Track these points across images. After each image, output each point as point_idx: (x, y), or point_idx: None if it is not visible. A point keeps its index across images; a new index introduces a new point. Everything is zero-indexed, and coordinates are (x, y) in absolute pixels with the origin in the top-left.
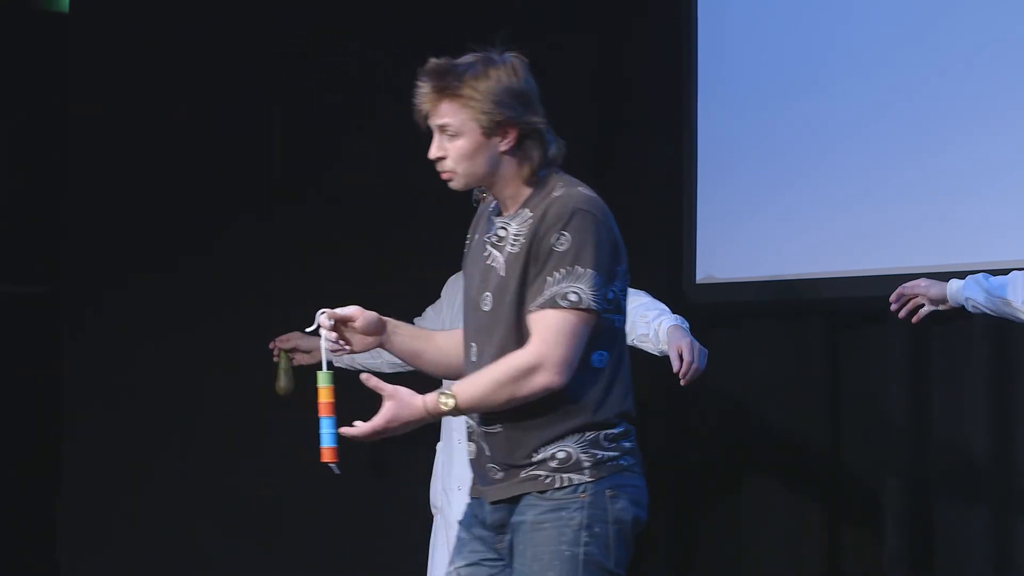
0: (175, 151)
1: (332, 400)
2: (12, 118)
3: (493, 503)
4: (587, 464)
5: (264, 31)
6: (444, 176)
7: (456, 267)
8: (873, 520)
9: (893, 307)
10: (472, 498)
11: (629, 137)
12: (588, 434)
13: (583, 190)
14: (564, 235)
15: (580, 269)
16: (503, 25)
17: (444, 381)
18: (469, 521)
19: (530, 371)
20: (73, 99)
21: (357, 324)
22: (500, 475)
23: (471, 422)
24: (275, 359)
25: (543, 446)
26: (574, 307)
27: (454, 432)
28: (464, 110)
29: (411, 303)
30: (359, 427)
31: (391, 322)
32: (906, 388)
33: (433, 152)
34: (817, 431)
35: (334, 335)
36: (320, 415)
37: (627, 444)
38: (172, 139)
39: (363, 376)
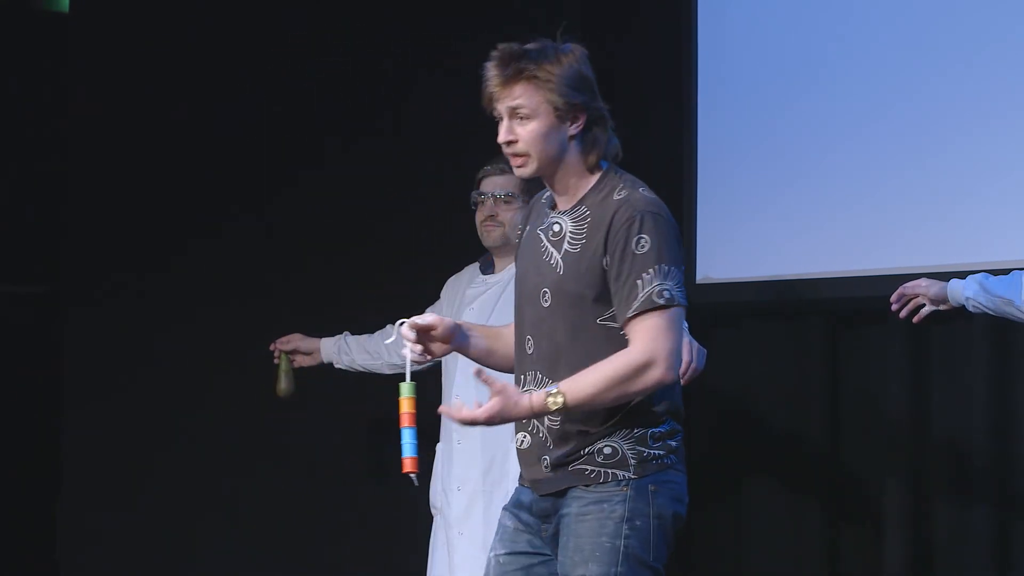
0: (175, 151)
1: (414, 411)
2: (12, 118)
3: (541, 495)
4: (632, 461)
5: (264, 31)
6: (515, 162)
7: (455, 267)
8: (873, 520)
9: (894, 307)
10: (520, 485)
11: (629, 137)
12: (636, 431)
13: (645, 192)
14: (643, 238)
15: (665, 268)
16: (505, 24)
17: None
18: (515, 507)
19: (642, 368)
20: (73, 99)
21: (437, 332)
22: (549, 469)
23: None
24: (275, 361)
25: (595, 441)
26: (668, 304)
27: (454, 433)
28: (538, 92)
29: (411, 303)
30: (462, 411)
31: (465, 324)
32: (906, 388)
33: (503, 136)
34: (817, 431)
35: (419, 347)
36: (401, 425)
37: (672, 443)
38: (172, 139)
39: (474, 369)
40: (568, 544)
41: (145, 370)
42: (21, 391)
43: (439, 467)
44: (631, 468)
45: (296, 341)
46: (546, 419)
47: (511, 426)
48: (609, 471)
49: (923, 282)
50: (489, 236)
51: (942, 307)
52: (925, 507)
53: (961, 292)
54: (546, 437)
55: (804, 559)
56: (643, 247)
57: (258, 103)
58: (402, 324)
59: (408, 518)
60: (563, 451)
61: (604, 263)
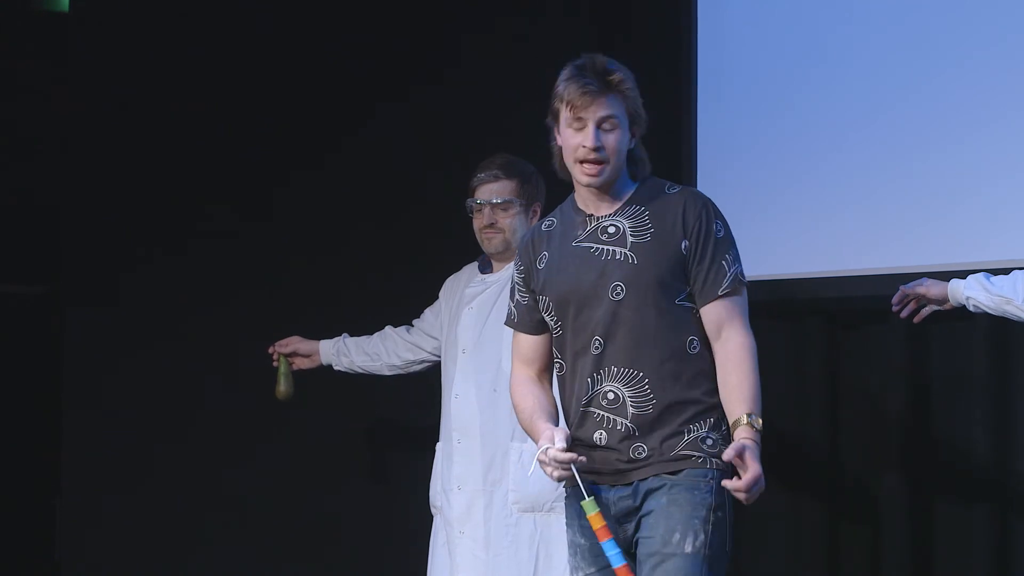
0: (175, 151)
1: (605, 523)
2: (12, 117)
3: (640, 480)
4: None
5: (263, 30)
6: (593, 169)
7: (453, 267)
8: (872, 520)
9: (895, 308)
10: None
11: None
12: (724, 426)
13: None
14: (718, 223)
15: (735, 251)
16: (507, 25)
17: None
18: (587, 527)
19: (754, 347)
20: (73, 99)
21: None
22: (645, 453)
23: (601, 412)
24: (274, 363)
25: (690, 422)
26: (743, 284)
27: (453, 432)
28: (623, 104)
29: (409, 304)
30: (745, 485)
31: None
32: (906, 388)
33: (593, 142)
34: (816, 431)
35: (581, 458)
36: (602, 540)
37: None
38: (172, 139)
39: (726, 454)
40: (659, 526)
41: (144, 371)
42: (21, 391)
43: (439, 467)
44: (723, 462)
45: (295, 344)
46: (630, 409)
47: (509, 425)
48: (711, 459)
49: (924, 282)
50: (490, 243)
51: (943, 307)
52: (924, 507)
53: (961, 291)
54: (630, 428)
55: (803, 558)
56: (720, 231)
57: (257, 103)
58: (541, 458)
59: (408, 518)
60: (661, 437)
61: (683, 247)
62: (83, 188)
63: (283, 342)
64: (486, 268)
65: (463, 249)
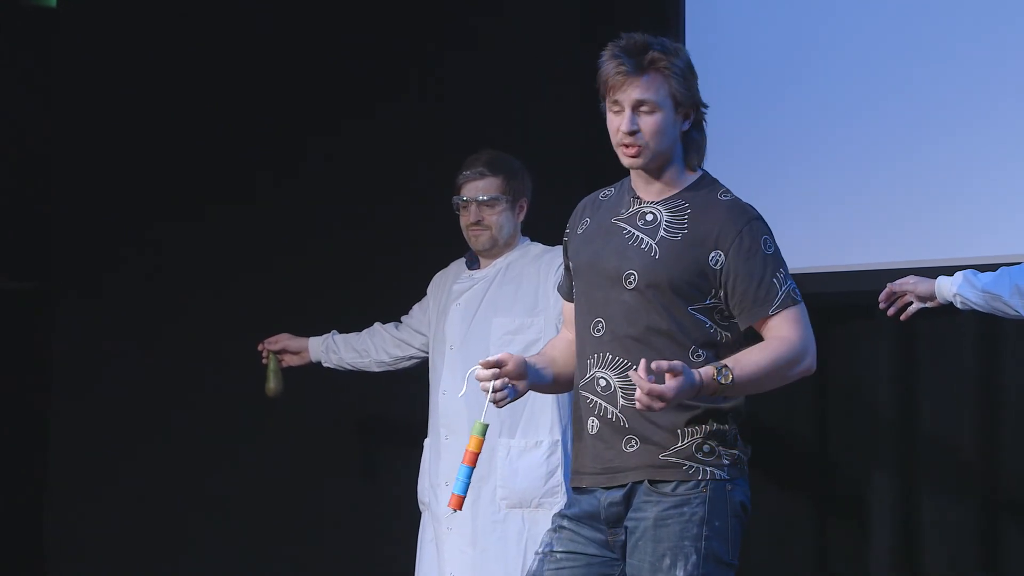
0: (164, 147)
1: (478, 451)
2: None
3: (615, 487)
4: (726, 461)
5: (251, 26)
6: (630, 151)
7: (441, 264)
8: (860, 515)
9: (882, 306)
10: (582, 488)
11: None
12: (726, 429)
13: (740, 199)
14: (768, 239)
15: (785, 268)
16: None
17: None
18: (576, 516)
19: (801, 357)
20: (61, 94)
21: (509, 368)
22: (636, 447)
23: (594, 398)
24: (264, 361)
25: (688, 433)
26: (798, 301)
27: (441, 428)
28: (664, 85)
29: (397, 300)
30: (651, 386)
31: (530, 359)
32: (894, 384)
33: (627, 126)
34: (804, 426)
35: (499, 382)
36: (463, 463)
37: (745, 445)
38: (161, 135)
39: (641, 367)
40: (647, 549)
41: (133, 368)
42: (9, 389)
43: (426, 463)
44: (724, 468)
45: (284, 341)
46: (620, 400)
47: (498, 423)
48: (706, 468)
49: (911, 279)
50: (477, 241)
51: (930, 304)
52: (912, 502)
53: (949, 289)
54: (620, 418)
55: (791, 554)
56: (770, 248)
57: (245, 99)
58: (473, 372)
59: (396, 514)
60: (652, 434)
61: (711, 258)
62: (71, 184)
63: (272, 339)
64: (473, 264)
65: (450, 245)
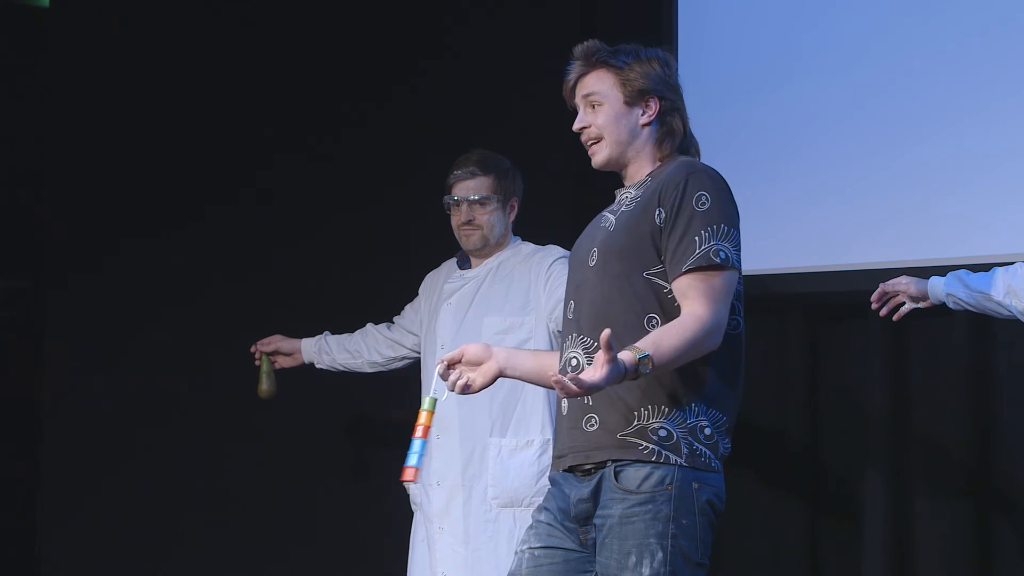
0: (155, 145)
1: (429, 425)
2: None
3: (582, 472)
4: (685, 451)
5: (243, 27)
6: (590, 150)
7: (432, 264)
8: (853, 515)
9: (874, 306)
10: (559, 475)
11: None
12: (690, 420)
13: (704, 164)
14: (704, 194)
15: (725, 228)
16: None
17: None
18: (552, 510)
19: (709, 334)
20: (53, 93)
21: (468, 356)
22: (596, 426)
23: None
24: (256, 363)
25: (646, 414)
26: (723, 265)
27: (432, 427)
28: (608, 77)
29: (389, 301)
30: (576, 377)
31: (513, 350)
32: (886, 383)
33: (577, 124)
34: (796, 426)
35: (443, 364)
36: (414, 436)
37: (727, 442)
38: (152, 133)
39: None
40: (613, 546)
41: (125, 366)
42: (1, 385)
43: None
44: (683, 456)
45: (277, 342)
46: None
47: (488, 420)
48: (663, 452)
49: (903, 279)
50: (468, 240)
51: (922, 304)
52: (905, 502)
53: (941, 289)
54: (587, 398)
55: (784, 555)
56: (703, 204)
57: (236, 98)
58: (440, 363)
59: (388, 514)
60: (610, 412)
61: (656, 216)
62: (63, 182)
63: (265, 341)
64: (464, 264)
65: (441, 245)
